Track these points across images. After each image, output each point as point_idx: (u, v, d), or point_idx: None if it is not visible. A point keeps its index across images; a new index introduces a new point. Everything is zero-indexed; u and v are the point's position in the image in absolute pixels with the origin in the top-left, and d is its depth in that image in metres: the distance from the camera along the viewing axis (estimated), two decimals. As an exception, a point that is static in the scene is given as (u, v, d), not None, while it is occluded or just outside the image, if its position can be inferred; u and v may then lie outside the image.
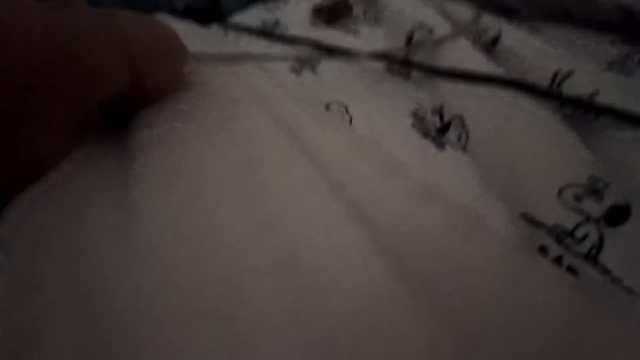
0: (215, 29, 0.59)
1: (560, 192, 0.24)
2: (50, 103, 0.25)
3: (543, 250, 0.22)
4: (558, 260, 0.22)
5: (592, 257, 0.22)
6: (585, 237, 0.22)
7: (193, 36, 0.39)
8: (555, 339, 0.18)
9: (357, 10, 0.54)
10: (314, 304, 0.20)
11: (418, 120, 0.35)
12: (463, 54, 0.38)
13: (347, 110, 0.36)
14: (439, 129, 0.33)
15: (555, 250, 0.22)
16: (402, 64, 0.41)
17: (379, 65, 0.42)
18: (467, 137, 0.31)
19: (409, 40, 0.45)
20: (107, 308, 0.20)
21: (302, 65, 0.45)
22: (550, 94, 0.32)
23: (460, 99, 0.34)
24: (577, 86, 0.32)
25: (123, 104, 0.34)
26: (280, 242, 0.23)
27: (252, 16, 0.60)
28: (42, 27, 0.25)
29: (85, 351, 0.19)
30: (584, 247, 0.22)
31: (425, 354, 0.18)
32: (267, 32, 0.53)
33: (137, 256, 0.22)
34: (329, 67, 0.44)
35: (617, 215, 0.23)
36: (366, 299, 0.20)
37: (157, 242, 0.23)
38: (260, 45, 0.51)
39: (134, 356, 0.19)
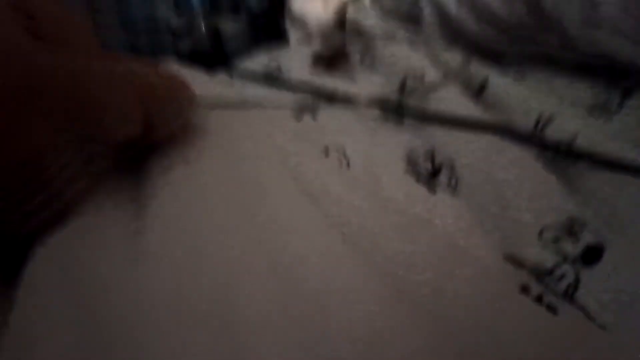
0: (221, 75, 0.62)
1: (540, 233, 0.26)
2: (70, 145, 0.28)
3: (525, 289, 0.24)
4: (539, 298, 0.24)
5: (569, 296, 0.23)
6: (562, 276, 0.24)
7: (200, 82, 0.42)
8: None
9: (354, 57, 0.57)
10: (315, 325, 0.22)
11: (411, 164, 0.37)
12: (453, 100, 0.41)
13: (345, 154, 0.39)
14: (431, 173, 0.35)
15: (536, 288, 0.24)
16: (396, 110, 0.43)
17: (375, 112, 0.45)
18: (457, 181, 0.34)
19: (403, 86, 0.48)
20: (106, 310, 0.22)
21: (302, 111, 0.48)
22: (532, 139, 0.34)
23: (451, 143, 0.36)
24: (558, 130, 0.35)
25: (136, 148, 0.37)
26: (283, 270, 0.25)
27: (255, 62, 0.63)
28: (64, 72, 0.27)
29: (84, 351, 0.21)
30: (562, 286, 0.24)
31: (422, 354, 0.20)
32: (270, 78, 0.56)
33: (140, 289, 0.24)
34: (328, 113, 0.47)
35: (592, 255, 0.25)
36: (363, 320, 0.22)
37: (162, 276, 0.25)
38: (264, 92, 0.54)
39: (134, 356, 0.20)
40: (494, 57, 0.52)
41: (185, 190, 0.32)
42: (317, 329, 0.21)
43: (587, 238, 0.26)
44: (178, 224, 0.29)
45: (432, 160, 0.37)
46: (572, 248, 0.25)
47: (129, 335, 0.22)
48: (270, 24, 0.79)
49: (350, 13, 0.60)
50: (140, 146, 0.37)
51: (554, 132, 0.35)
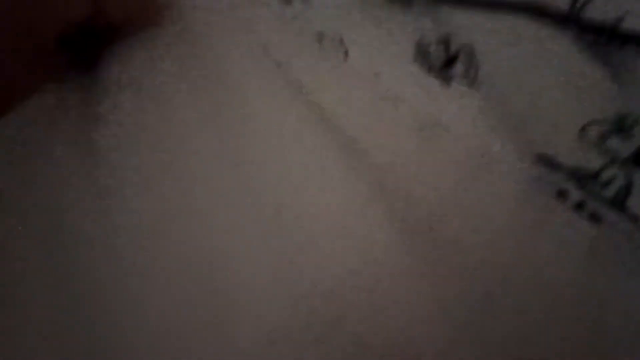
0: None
1: (582, 130, 0.22)
2: (1, 32, 0.23)
3: (562, 194, 0.20)
4: (579, 206, 0.20)
5: (618, 203, 0.19)
6: (611, 180, 0.20)
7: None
8: (570, 304, 0.17)
9: None
10: (304, 258, 0.19)
11: (421, 52, 0.32)
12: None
13: (342, 42, 0.33)
14: (445, 62, 0.30)
15: (576, 195, 0.20)
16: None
17: (377, -9, 0.38)
18: (477, 71, 0.29)
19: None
20: (88, 287, 0.19)
21: (291, -8, 0.41)
22: (570, 20, 0.29)
23: (469, 26, 0.31)
24: (600, 10, 0.29)
25: (88, 37, 0.31)
26: (267, 188, 0.21)
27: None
28: None
29: (66, 330, 0.18)
30: (610, 192, 0.20)
31: (428, 313, 0.17)
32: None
33: (110, 214, 0.21)
34: (321, -5, 0.40)
35: (648, 155, 0.21)
36: (365, 251, 0.19)
37: (132, 202, 0.21)
38: (245, -29, 0.46)
39: (115, 326, 0.18)
40: None
41: (146, 92, 0.27)
42: (306, 264, 0.19)
43: (640, 135, 0.21)
44: (138, 134, 0.24)
45: (447, 47, 0.31)
46: (623, 147, 0.21)
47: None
48: None
49: None
50: (94, 36, 0.31)
51: (595, 12, 0.29)
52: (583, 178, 0.21)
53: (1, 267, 0.20)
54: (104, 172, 0.22)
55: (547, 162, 0.22)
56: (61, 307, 0.19)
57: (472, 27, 0.31)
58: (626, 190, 0.20)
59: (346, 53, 0.32)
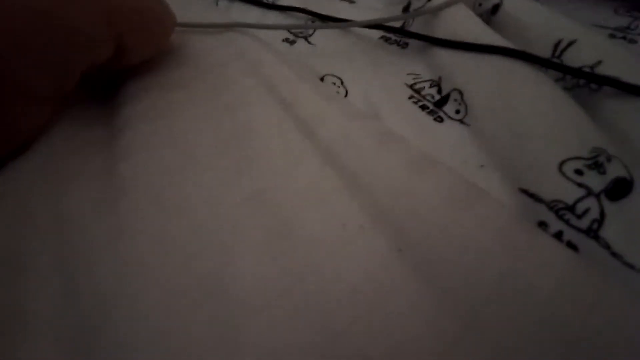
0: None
1: (561, 165, 0.24)
2: (29, 67, 0.24)
3: (543, 225, 0.22)
4: (558, 235, 0.21)
5: (593, 232, 0.21)
6: (586, 211, 0.22)
7: (181, 3, 0.38)
8: (557, 315, 0.18)
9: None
10: (308, 277, 0.20)
11: (415, 92, 0.34)
12: (462, 22, 0.37)
13: (342, 83, 0.35)
14: (437, 102, 0.32)
15: (555, 225, 0.22)
16: (399, 33, 0.39)
17: (376, 35, 0.41)
18: (466, 110, 0.31)
19: (406, 8, 0.43)
20: (91, 286, 0.20)
21: (295, 35, 0.44)
22: (551, 64, 0.31)
23: (459, 69, 0.33)
24: (579, 56, 0.31)
25: (107, 73, 0.33)
26: (272, 213, 0.22)
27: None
28: None
29: (69, 329, 0.19)
30: (585, 222, 0.21)
31: (425, 328, 0.18)
32: (260, 0, 0.51)
33: (122, 231, 0.22)
34: (323, 38, 0.42)
35: (619, 189, 0.22)
36: (363, 272, 0.20)
37: (143, 215, 0.23)
38: (252, 15, 0.49)
39: (119, 334, 0.18)
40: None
41: (162, 123, 0.29)
42: (310, 282, 0.19)
43: (614, 170, 0.23)
44: (152, 161, 0.26)
45: (439, 88, 0.33)
46: (597, 181, 0.23)
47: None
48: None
49: None
50: (112, 72, 0.33)
51: (574, 57, 0.31)
52: (561, 210, 0.22)
53: (11, 290, 0.20)
54: (121, 200, 0.23)
55: (529, 194, 0.24)
56: (60, 304, 0.19)
57: (463, 69, 0.33)
58: (599, 221, 0.21)
59: (347, 92, 0.34)
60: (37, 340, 0.18)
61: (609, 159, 0.23)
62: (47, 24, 0.24)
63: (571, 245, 0.21)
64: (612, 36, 0.37)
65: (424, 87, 0.34)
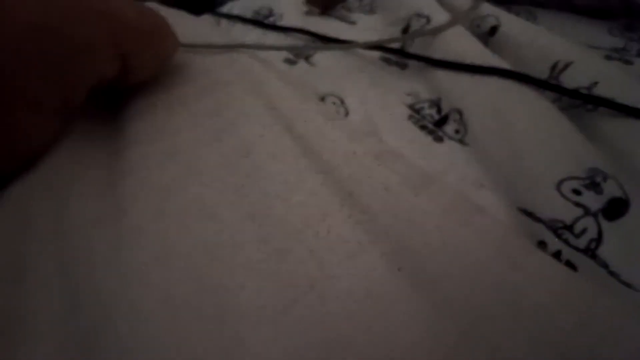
0: (207, 18, 0.58)
1: (559, 184, 0.24)
2: (35, 79, 0.24)
3: (542, 244, 0.22)
4: (557, 255, 0.22)
5: (590, 252, 0.21)
6: (583, 231, 0.22)
7: (184, 24, 0.39)
8: (552, 328, 0.18)
9: (353, -2, 0.53)
10: (307, 296, 0.20)
11: (415, 112, 0.34)
12: (461, 43, 0.37)
13: (342, 103, 0.36)
14: (436, 122, 0.33)
15: (554, 244, 0.22)
16: (399, 54, 0.40)
17: (376, 55, 0.42)
18: (466, 130, 0.31)
19: (406, 29, 0.44)
20: (93, 296, 0.20)
21: (296, 56, 0.44)
22: (548, 85, 0.31)
23: (458, 89, 0.33)
24: (576, 77, 0.32)
25: (112, 90, 0.33)
26: (274, 230, 0.23)
27: (245, 5, 0.59)
28: (30, 1, 0.24)
29: (70, 337, 0.19)
30: (583, 242, 0.22)
31: (424, 337, 0.18)
32: (261, 21, 0.52)
33: (124, 242, 0.22)
34: (324, 58, 0.43)
35: (616, 209, 0.23)
36: (361, 290, 0.20)
37: (145, 228, 0.23)
38: (253, 35, 0.50)
39: (119, 343, 0.18)
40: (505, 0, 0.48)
41: (165, 141, 0.29)
42: (311, 297, 0.20)
43: (611, 190, 0.23)
44: (155, 178, 0.26)
45: (438, 108, 0.34)
46: (594, 201, 0.23)
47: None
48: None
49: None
50: (117, 89, 0.33)
51: (571, 78, 0.32)
52: (560, 229, 0.22)
53: (12, 297, 0.20)
54: (123, 214, 0.24)
55: (528, 214, 0.24)
56: (61, 308, 0.20)
57: (462, 89, 0.33)
58: (597, 240, 0.22)
59: (347, 112, 0.35)
60: (38, 344, 0.18)
61: (605, 179, 0.24)
62: (54, 40, 0.24)
63: (570, 265, 0.21)
64: (608, 57, 0.37)
65: (424, 107, 0.34)
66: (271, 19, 0.53)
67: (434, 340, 0.18)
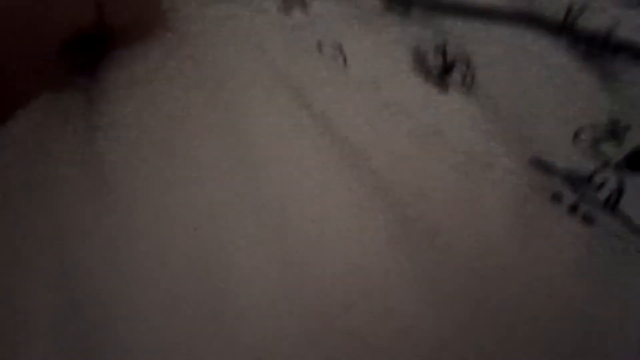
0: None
1: (576, 135, 0.22)
2: (5, 39, 0.23)
3: (556, 198, 0.21)
4: (573, 208, 0.20)
5: (610, 205, 0.20)
6: (603, 183, 0.20)
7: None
8: (571, 295, 0.17)
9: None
10: (305, 268, 0.19)
11: (418, 60, 0.32)
12: (469, -14, 0.35)
13: (340, 50, 0.34)
14: (442, 70, 0.31)
15: (570, 198, 0.21)
16: (401, -2, 0.38)
17: (376, 1, 0.39)
18: (473, 78, 0.29)
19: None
20: (91, 290, 0.19)
21: (291, 3, 0.42)
22: (564, 29, 0.29)
23: (466, 35, 0.31)
24: (593, 20, 0.30)
25: (91, 43, 0.31)
26: (269, 192, 0.21)
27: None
28: None
29: (69, 332, 0.18)
30: (602, 195, 0.20)
31: (430, 310, 0.17)
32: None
33: (121, 235, 0.21)
34: (320, 5, 0.40)
35: (638, 160, 0.21)
36: (362, 253, 0.19)
37: (141, 220, 0.21)
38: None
39: (117, 336, 0.18)
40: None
41: (150, 102, 0.28)
42: (306, 268, 0.19)
43: (632, 141, 0.22)
44: (140, 139, 0.24)
45: (444, 55, 0.32)
46: (614, 152, 0.21)
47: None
48: None
49: None
50: (96, 45, 0.31)
51: (587, 23, 0.30)
52: (577, 182, 0.21)
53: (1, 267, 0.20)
54: (107, 176, 0.23)
55: (542, 166, 0.22)
56: (61, 309, 0.19)
57: (469, 36, 0.31)
58: (618, 193, 0.20)
59: (345, 61, 0.33)
60: (38, 342, 0.18)
61: (626, 128, 0.22)
62: None
63: (588, 219, 0.20)
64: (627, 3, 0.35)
65: (428, 55, 0.32)
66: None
67: (443, 309, 0.17)
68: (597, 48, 0.29)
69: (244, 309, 0.18)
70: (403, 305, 0.18)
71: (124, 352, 0.17)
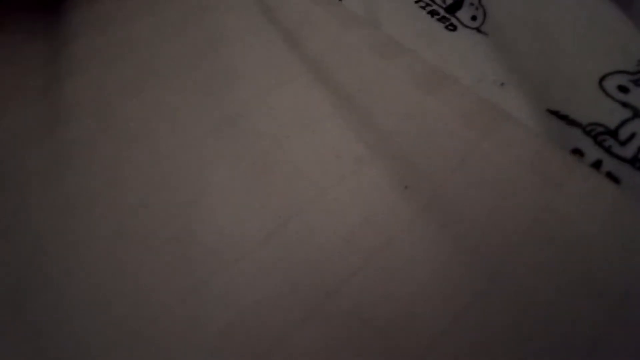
0: None
1: (601, 80, 0.20)
2: None
3: (577, 153, 0.19)
4: (596, 165, 0.18)
5: (639, 162, 0.18)
6: (631, 137, 0.18)
7: None
8: (598, 263, 0.15)
9: None
10: (293, 221, 0.17)
11: (424, -6, 0.29)
12: None
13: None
14: (449, 6, 0.28)
15: (592, 153, 0.18)
16: None
17: None
18: (485, 16, 0.26)
19: None
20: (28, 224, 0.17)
21: None
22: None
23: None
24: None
25: None
26: (250, 143, 0.19)
27: None
28: None
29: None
30: (630, 150, 0.18)
31: (436, 283, 0.15)
32: None
33: (68, 162, 0.19)
34: None
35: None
36: (360, 215, 0.17)
37: (93, 144, 0.19)
38: None
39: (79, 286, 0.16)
40: None
41: (116, 28, 0.24)
42: (294, 228, 0.17)
43: (665, 87, 0.19)
44: (106, 76, 0.22)
45: (453, -11, 0.28)
46: (646, 100, 0.19)
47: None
48: None
49: None
50: None
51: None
52: (600, 135, 0.19)
53: None
54: (69, 127, 0.20)
55: (561, 116, 0.20)
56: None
57: (481, -33, 0.28)
58: (649, 148, 0.18)
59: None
60: None
61: (659, 74, 0.20)
62: None
63: (611, 177, 0.18)
64: None
65: (434, -12, 0.29)
66: None
67: (451, 283, 0.15)
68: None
69: (216, 255, 0.17)
70: (405, 275, 0.16)
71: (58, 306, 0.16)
